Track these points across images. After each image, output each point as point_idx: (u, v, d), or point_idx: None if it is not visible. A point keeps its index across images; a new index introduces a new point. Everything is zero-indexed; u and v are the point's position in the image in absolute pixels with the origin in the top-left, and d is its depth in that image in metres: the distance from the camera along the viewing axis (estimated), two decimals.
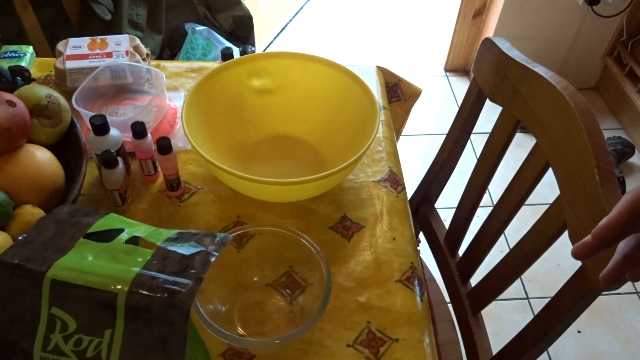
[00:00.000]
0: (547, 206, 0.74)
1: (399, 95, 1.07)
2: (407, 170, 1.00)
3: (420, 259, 0.90)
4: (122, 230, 0.57)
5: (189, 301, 0.50)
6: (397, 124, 1.08)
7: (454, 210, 0.97)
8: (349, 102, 0.84)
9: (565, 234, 0.70)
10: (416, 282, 0.74)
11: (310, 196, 0.82)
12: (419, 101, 1.10)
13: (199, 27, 1.59)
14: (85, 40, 0.95)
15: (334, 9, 2.63)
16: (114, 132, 0.78)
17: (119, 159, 0.75)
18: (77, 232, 0.57)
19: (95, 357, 0.51)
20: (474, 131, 0.95)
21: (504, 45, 0.81)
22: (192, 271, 0.53)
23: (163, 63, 1.04)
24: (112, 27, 1.43)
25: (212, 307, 0.66)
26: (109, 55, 0.93)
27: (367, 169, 0.87)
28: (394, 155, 0.91)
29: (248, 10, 1.70)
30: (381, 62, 1.13)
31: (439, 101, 2.22)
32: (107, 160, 0.73)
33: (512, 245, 0.81)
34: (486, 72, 0.85)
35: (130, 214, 0.80)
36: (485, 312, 0.92)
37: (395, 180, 0.86)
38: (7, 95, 0.70)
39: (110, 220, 0.60)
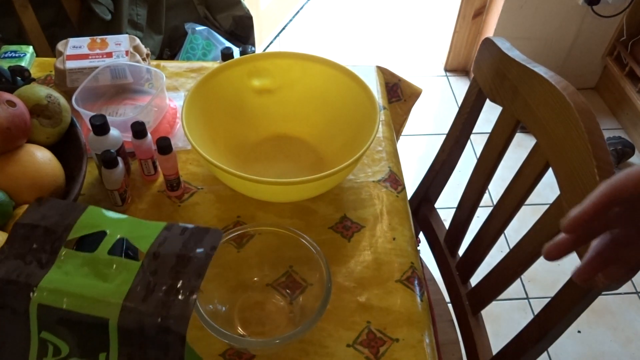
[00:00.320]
0: (547, 206, 0.74)
1: (399, 95, 1.07)
2: (407, 170, 1.00)
3: (420, 259, 0.90)
4: (104, 233, 0.53)
5: (183, 324, 0.47)
6: (397, 124, 1.08)
7: (454, 210, 0.97)
8: (349, 102, 0.84)
9: None
10: (416, 282, 0.74)
11: (310, 196, 0.82)
12: (419, 101, 1.10)
13: (199, 27, 1.59)
14: (85, 40, 0.95)
15: (334, 9, 2.63)
16: (114, 132, 0.78)
17: (119, 159, 0.75)
18: (57, 240, 0.52)
19: None
20: (474, 131, 0.95)
21: (504, 45, 0.81)
22: (185, 284, 0.49)
23: (163, 63, 1.04)
24: (112, 27, 1.43)
25: (212, 307, 0.66)
26: (109, 55, 0.93)
27: (367, 169, 0.87)
28: (394, 155, 0.91)
29: (248, 10, 1.70)
30: (381, 62, 1.13)
31: (438, 101, 2.22)
32: (107, 160, 0.73)
33: (512, 245, 0.81)
34: (486, 72, 0.85)
35: (130, 214, 0.80)
36: (485, 312, 0.92)
37: (395, 180, 0.86)
38: (7, 95, 0.70)
39: (89, 218, 0.54)
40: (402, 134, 1.13)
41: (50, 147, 0.75)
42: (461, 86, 2.27)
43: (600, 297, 0.67)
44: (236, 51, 1.30)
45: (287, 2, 2.50)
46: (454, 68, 2.35)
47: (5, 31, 1.38)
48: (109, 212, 0.55)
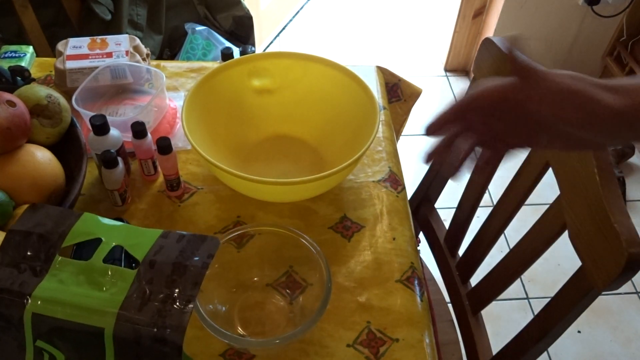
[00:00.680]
0: (547, 206, 0.74)
1: (399, 95, 1.07)
2: (407, 170, 1.00)
3: (420, 259, 0.90)
4: (99, 241, 0.52)
5: (180, 334, 0.47)
6: (397, 124, 1.08)
7: (454, 210, 0.97)
8: (349, 102, 0.84)
9: (565, 234, 0.70)
10: (416, 282, 0.74)
11: (310, 196, 0.82)
12: (419, 101, 1.10)
13: (199, 27, 1.59)
14: (85, 40, 0.95)
15: (334, 9, 2.63)
16: (114, 132, 0.78)
17: (119, 159, 0.75)
18: (52, 247, 0.52)
19: None
20: None
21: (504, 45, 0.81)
22: (182, 293, 0.48)
23: (163, 63, 1.04)
24: (112, 27, 1.43)
25: (212, 307, 0.66)
26: (109, 55, 0.93)
27: (367, 169, 0.87)
28: (394, 155, 0.91)
29: (248, 10, 1.70)
30: (381, 62, 1.13)
31: (439, 101, 2.22)
32: (107, 160, 0.73)
33: (512, 245, 0.81)
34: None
35: (130, 214, 0.80)
36: (485, 312, 0.92)
37: (395, 180, 0.86)
38: (7, 95, 0.70)
39: (84, 225, 0.53)
40: (402, 134, 1.13)
41: (50, 147, 0.75)
42: (461, 86, 2.27)
43: (600, 297, 0.67)
44: (236, 51, 1.30)
45: (287, 2, 2.50)
46: (454, 68, 2.35)
47: (5, 31, 1.38)
48: (104, 219, 0.54)
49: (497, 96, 0.50)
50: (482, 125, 0.52)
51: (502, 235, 0.97)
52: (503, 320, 1.55)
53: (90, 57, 0.92)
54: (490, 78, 0.51)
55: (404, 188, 0.86)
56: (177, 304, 0.48)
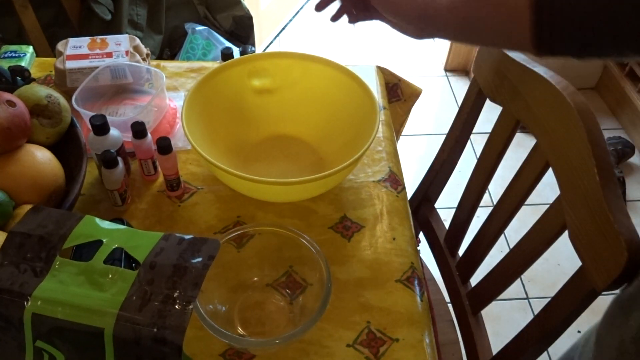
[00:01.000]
0: (547, 206, 0.74)
1: (399, 95, 1.07)
2: (407, 170, 1.00)
3: (420, 259, 0.90)
4: (100, 243, 0.52)
5: (180, 335, 0.47)
6: (397, 124, 1.08)
7: (454, 210, 0.97)
8: (349, 102, 0.84)
9: (565, 234, 0.70)
10: (416, 282, 0.74)
11: (310, 196, 0.82)
12: (419, 101, 1.10)
13: (199, 27, 1.59)
14: (85, 40, 0.95)
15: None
16: (114, 132, 0.78)
17: (119, 159, 0.75)
18: (52, 249, 0.52)
19: None
20: (474, 131, 0.95)
21: None
22: (182, 294, 0.49)
23: (163, 63, 1.04)
24: (112, 27, 1.43)
25: (212, 307, 0.66)
26: (109, 55, 0.93)
27: (367, 169, 0.87)
28: (394, 155, 0.91)
29: (248, 10, 1.70)
30: (381, 62, 1.13)
31: (439, 101, 2.22)
32: (107, 160, 0.73)
33: (512, 245, 0.81)
34: (486, 72, 0.85)
35: (130, 214, 0.80)
36: (485, 312, 0.92)
37: (395, 180, 0.86)
38: (7, 95, 0.70)
39: (85, 228, 0.54)
40: (402, 134, 1.13)
41: (50, 147, 0.75)
42: (461, 86, 2.27)
43: (600, 297, 0.67)
44: (236, 51, 1.30)
45: (287, 2, 2.50)
46: (454, 68, 2.35)
47: (5, 31, 1.38)
48: (104, 222, 0.54)
49: None
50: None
51: (502, 235, 0.97)
52: (503, 320, 1.55)
53: (90, 57, 0.92)
54: None
55: (404, 188, 0.86)
56: (178, 304, 0.48)
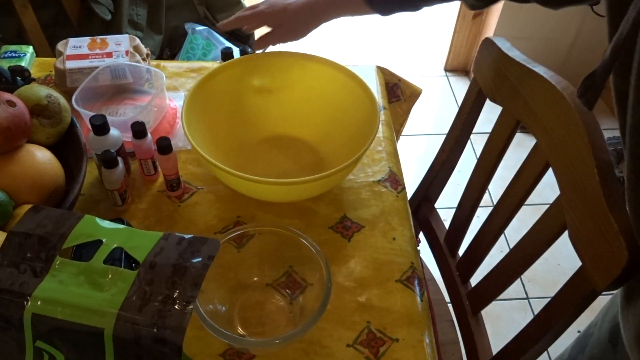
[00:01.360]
0: (547, 206, 0.74)
1: (399, 95, 1.07)
2: (407, 170, 1.00)
3: (420, 259, 0.90)
4: (100, 242, 0.52)
5: (179, 335, 0.47)
6: (397, 124, 1.08)
7: (454, 210, 0.97)
8: (349, 102, 0.84)
9: (565, 234, 0.70)
10: (416, 282, 0.74)
11: (310, 196, 0.82)
12: (419, 101, 1.10)
13: (199, 27, 1.59)
14: (85, 40, 0.95)
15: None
16: (114, 132, 0.78)
17: (119, 159, 0.75)
18: (52, 249, 0.52)
19: None
20: (474, 131, 0.95)
21: (504, 45, 0.81)
22: (182, 294, 0.49)
23: (163, 63, 1.04)
24: (112, 27, 1.43)
25: (212, 307, 0.66)
26: (109, 55, 0.93)
27: (367, 169, 0.87)
28: (394, 155, 0.91)
29: None
30: (381, 62, 1.13)
31: (439, 101, 2.22)
32: (107, 160, 0.73)
33: (512, 245, 0.81)
34: (486, 72, 0.85)
35: (130, 214, 0.80)
36: (485, 312, 0.92)
37: (395, 180, 0.86)
38: (7, 95, 0.70)
39: (84, 227, 0.54)
40: (402, 134, 1.13)
41: (50, 147, 0.75)
42: (461, 86, 2.27)
43: (600, 297, 0.67)
44: (236, 51, 1.30)
45: None
46: (454, 68, 2.35)
47: (5, 31, 1.38)
48: (104, 221, 0.54)
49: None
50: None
51: (502, 235, 0.97)
52: (503, 320, 1.55)
53: (90, 57, 0.92)
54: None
55: (404, 188, 0.86)
56: (177, 304, 0.48)
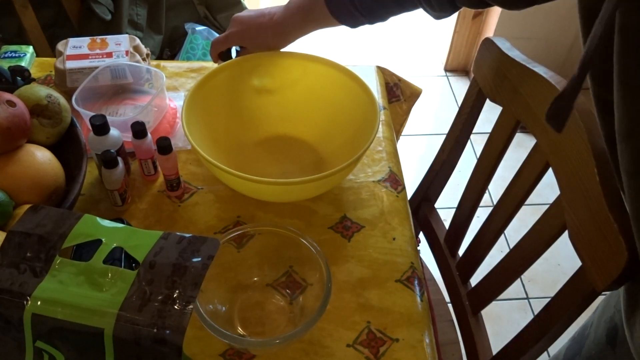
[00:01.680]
0: (547, 206, 0.74)
1: (399, 95, 1.07)
2: (407, 170, 1.00)
3: (420, 259, 0.90)
4: (99, 242, 0.52)
5: (179, 335, 0.47)
6: (397, 124, 1.08)
7: (454, 210, 0.97)
8: (349, 102, 0.84)
9: (565, 234, 0.70)
10: (416, 282, 0.74)
11: (310, 196, 0.82)
12: (419, 101, 1.10)
13: (199, 27, 1.59)
14: (85, 40, 0.95)
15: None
16: (114, 132, 0.78)
17: (119, 159, 0.75)
18: (52, 249, 0.51)
19: None
20: (474, 131, 0.95)
21: (504, 45, 0.81)
22: (182, 294, 0.49)
23: (163, 63, 1.04)
24: (112, 27, 1.43)
25: (212, 307, 0.66)
26: (109, 55, 0.93)
27: (367, 169, 0.87)
28: (394, 155, 0.91)
29: None
30: (381, 62, 1.13)
31: (438, 101, 2.22)
32: (107, 160, 0.73)
33: (512, 245, 0.81)
34: (486, 72, 0.85)
35: (130, 214, 0.80)
36: (485, 312, 0.92)
37: (395, 180, 0.86)
38: (7, 95, 0.70)
39: (84, 227, 0.53)
40: (402, 134, 1.13)
41: (50, 147, 0.75)
42: (461, 86, 2.27)
43: (600, 297, 0.67)
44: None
45: (287, 1, 2.50)
46: (454, 68, 2.35)
47: (5, 31, 1.38)
48: (104, 220, 0.54)
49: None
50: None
51: (502, 235, 0.97)
52: (503, 320, 1.55)
53: (90, 57, 0.92)
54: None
55: (404, 188, 0.86)
56: (177, 304, 0.48)
